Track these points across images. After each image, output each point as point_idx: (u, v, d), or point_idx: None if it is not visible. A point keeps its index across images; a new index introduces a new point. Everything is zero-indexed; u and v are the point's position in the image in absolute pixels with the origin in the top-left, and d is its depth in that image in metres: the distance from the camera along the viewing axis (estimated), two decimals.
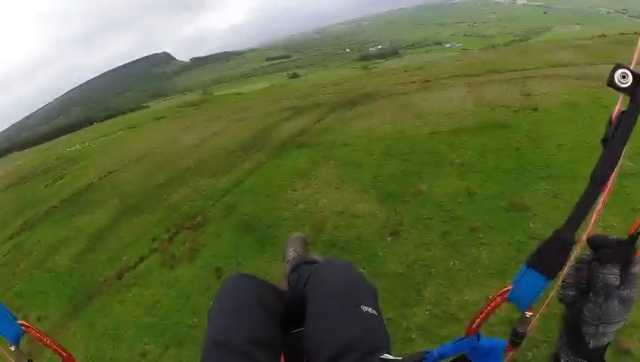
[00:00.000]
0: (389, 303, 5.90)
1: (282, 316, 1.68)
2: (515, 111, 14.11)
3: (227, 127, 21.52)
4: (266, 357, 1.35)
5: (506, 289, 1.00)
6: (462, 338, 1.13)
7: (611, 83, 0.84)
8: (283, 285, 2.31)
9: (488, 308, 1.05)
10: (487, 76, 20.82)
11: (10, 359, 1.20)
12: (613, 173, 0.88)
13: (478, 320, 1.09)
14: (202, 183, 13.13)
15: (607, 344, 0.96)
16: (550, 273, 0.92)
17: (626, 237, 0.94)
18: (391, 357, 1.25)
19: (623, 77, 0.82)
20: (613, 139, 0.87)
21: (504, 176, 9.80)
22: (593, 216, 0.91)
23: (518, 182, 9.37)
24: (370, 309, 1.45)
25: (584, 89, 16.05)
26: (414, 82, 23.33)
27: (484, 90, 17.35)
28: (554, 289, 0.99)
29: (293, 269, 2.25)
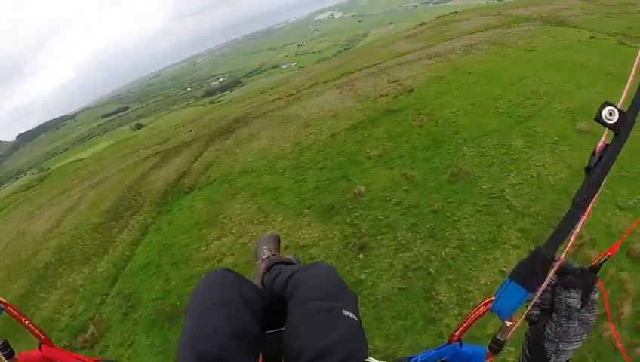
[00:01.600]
0: (413, 329, 4.75)
1: (262, 315, 1.56)
2: (395, 97, 14.43)
3: (83, 197, 17.31)
4: (248, 353, 1.31)
5: (489, 299, 1.04)
6: (445, 345, 1.20)
7: (598, 118, 0.88)
8: (257, 284, 2.07)
9: (472, 316, 1.10)
10: (347, 77, 21.29)
11: None
12: (593, 200, 0.91)
13: (461, 328, 1.15)
14: (75, 277, 9.61)
15: (567, 361, 1.05)
16: (530, 286, 0.97)
17: (588, 266, 1.03)
18: (375, 361, 1.30)
19: (610, 114, 0.86)
20: (596, 169, 0.91)
21: (426, 152, 9.52)
22: (572, 237, 0.94)
23: (443, 153, 9.23)
24: (351, 314, 1.38)
25: (439, 65, 17.53)
26: (280, 98, 22.76)
27: (355, 88, 17.58)
28: (532, 302, 1.00)
29: (268, 268, 2.09)
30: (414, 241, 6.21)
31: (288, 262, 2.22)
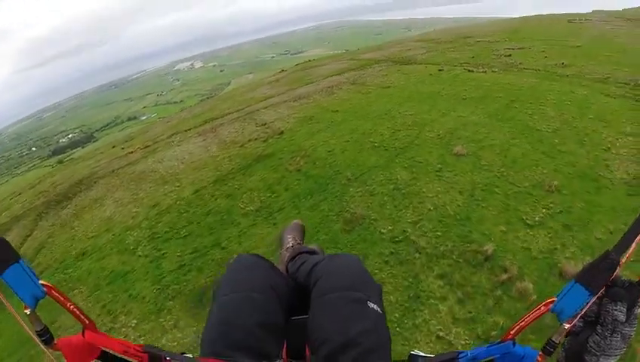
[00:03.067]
0: None
1: (287, 302, 1.53)
2: (265, 140, 13.20)
3: None
4: (272, 340, 1.30)
5: (550, 300, 1.04)
6: (498, 343, 1.17)
7: None
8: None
9: (531, 316, 1.08)
10: (211, 123, 19.71)
11: (23, 324, 1.05)
12: None
13: (517, 327, 1.12)
14: None
15: None
16: (595, 288, 0.98)
17: (636, 280, 1.01)
18: (422, 353, 1.30)
19: None
20: None
21: (310, 199, 8.22)
22: (633, 244, 0.96)
23: (329, 198, 8.03)
24: (375, 306, 1.34)
25: (306, 106, 17.09)
26: (134, 152, 19.89)
27: (220, 134, 16.01)
28: (587, 306, 0.98)
29: (292, 257, 2.04)
30: None
31: (312, 252, 2.09)
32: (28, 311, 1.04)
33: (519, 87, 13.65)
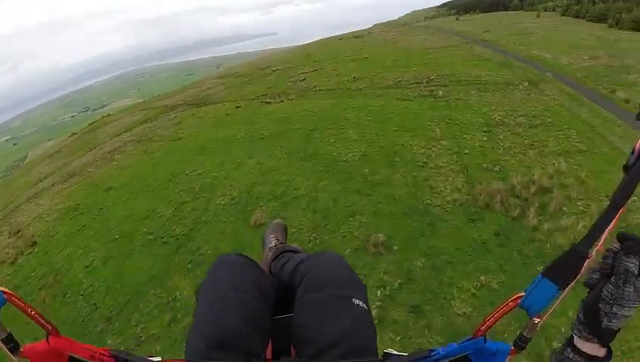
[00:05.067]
0: None
1: (271, 301, 1.54)
2: (12, 262, 8.77)
3: None
4: (258, 339, 1.28)
5: (518, 295, 1.03)
6: (469, 339, 1.15)
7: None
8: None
9: (499, 312, 1.08)
10: None
11: None
12: (630, 197, 0.92)
13: (487, 323, 1.12)
14: None
15: (617, 330, 1.00)
16: (562, 283, 0.99)
17: None
18: (395, 352, 1.28)
19: None
20: (635, 168, 0.92)
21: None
22: (604, 234, 0.96)
23: None
24: (361, 303, 1.34)
25: (75, 187, 12.70)
26: None
27: None
28: (559, 300, 0.99)
29: (276, 256, 2.02)
30: None
31: (296, 251, 2.08)
32: None
33: (316, 112, 12.61)
